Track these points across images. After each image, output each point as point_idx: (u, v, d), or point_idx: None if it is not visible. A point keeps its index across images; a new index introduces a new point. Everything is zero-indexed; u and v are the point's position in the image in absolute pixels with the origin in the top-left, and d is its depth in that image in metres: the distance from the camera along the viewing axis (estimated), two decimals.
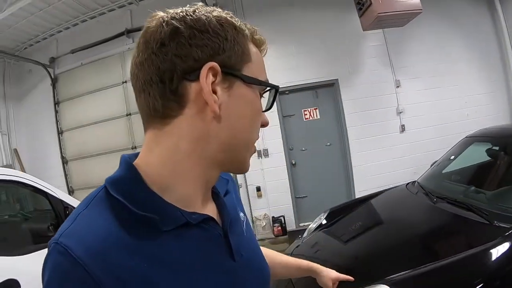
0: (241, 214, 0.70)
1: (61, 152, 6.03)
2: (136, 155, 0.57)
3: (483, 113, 5.43)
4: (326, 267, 1.05)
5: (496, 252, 1.62)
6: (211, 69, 0.50)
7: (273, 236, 5.00)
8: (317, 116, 5.25)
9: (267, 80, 0.59)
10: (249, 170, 0.61)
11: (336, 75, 5.18)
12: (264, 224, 5.04)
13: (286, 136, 5.16)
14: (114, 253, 0.46)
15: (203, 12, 0.52)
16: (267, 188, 5.12)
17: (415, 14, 3.97)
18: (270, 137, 4.99)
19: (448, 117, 5.31)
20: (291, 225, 5.14)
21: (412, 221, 2.34)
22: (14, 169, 5.76)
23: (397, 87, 5.25)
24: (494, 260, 1.61)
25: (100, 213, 0.49)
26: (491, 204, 2.10)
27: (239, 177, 4.84)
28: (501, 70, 5.71)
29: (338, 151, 5.29)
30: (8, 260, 1.97)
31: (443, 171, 2.89)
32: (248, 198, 5.05)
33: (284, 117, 5.17)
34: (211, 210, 0.61)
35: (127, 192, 0.51)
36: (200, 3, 0.56)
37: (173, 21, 0.51)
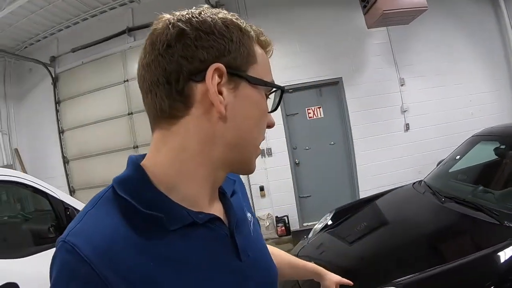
0: (248, 215, 0.70)
1: (62, 151, 6.01)
2: (143, 156, 0.58)
3: (487, 111, 5.40)
4: (332, 268, 1.07)
5: (507, 253, 1.59)
6: (217, 70, 0.51)
7: (276, 236, 4.97)
8: (321, 115, 5.22)
9: (273, 81, 0.59)
10: None
11: (340, 74, 5.16)
12: (268, 224, 5.01)
13: (289, 135, 5.14)
14: (121, 252, 0.46)
15: (208, 14, 0.53)
16: (271, 188, 5.10)
17: (420, 11, 3.95)
18: (274, 136, 4.97)
19: (452, 116, 5.29)
20: (294, 225, 5.12)
21: (420, 221, 2.31)
22: (15, 169, 5.76)
23: (402, 85, 5.23)
24: (505, 261, 1.57)
25: (108, 212, 0.50)
26: (500, 204, 2.07)
27: (242, 177, 4.69)
28: (505, 68, 5.70)
29: (342, 150, 5.27)
30: (7, 263, 1.92)
31: (450, 170, 2.86)
32: (251, 197, 5.02)
33: (287, 116, 5.14)
34: (217, 210, 0.61)
35: (134, 192, 0.51)
36: (206, 5, 0.57)
37: (179, 23, 0.52)
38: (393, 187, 3.02)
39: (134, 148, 5.52)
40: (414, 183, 2.87)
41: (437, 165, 3.05)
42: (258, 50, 0.57)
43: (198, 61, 0.51)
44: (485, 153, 2.75)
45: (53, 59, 5.95)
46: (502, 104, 5.60)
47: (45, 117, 6.02)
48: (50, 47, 5.96)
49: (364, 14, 4.14)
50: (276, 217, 5.04)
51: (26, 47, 5.99)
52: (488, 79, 5.57)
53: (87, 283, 0.44)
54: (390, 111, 5.21)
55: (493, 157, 2.66)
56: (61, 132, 6.00)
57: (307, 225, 5.07)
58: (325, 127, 5.22)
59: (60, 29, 5.71)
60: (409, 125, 5.22)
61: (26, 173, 5.55)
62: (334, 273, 1.04)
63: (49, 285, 0.46)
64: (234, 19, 0.55)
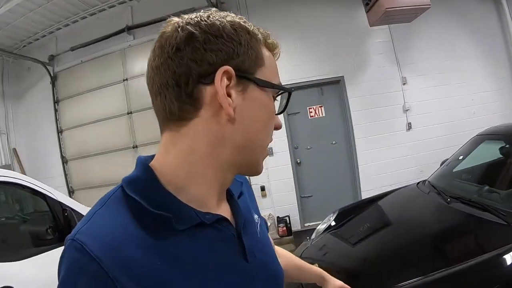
0: (255, 216, 0.71)
1: (61, 151, 5.97)
2: (152, 157, 0.59)
3: (490, 110, 5.38)
4: (335, 269, 1.13)
5: None
6: (226, 72, 0.52)
7: (278, 237, 4.93)
8: (322, 114, 5.20)
9: (280, 84, 0.60)
10: None
11: (342, 72, 5.14)
12: (269, 224, 4.96)
13: (291, 134, 5.11)
14: (130, 251, 0.47)
15: (217, 17, 0.54)
16: (272, 188, 5.07)
17: (423, 9, 3.94)
18: (275, 136, 4.71)
19: (455, 115, 5.28)
20: (296, 225, 5.09)
21: (425, 222, 2.27)
22: (13, 169, 5.73)
23: (404, 84, 5.21)
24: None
25: (117, 212, 0.51)
26: (506, 204, 2.05)
27: None
28: (508, 67, 5.68)
29: (344, 149, 5.25)
30: (4, 266, 1.87)
31: (454, 170, 2.83)
32: None
33: (289, 115, 5.11)
34: (225, 211, 0.61)
35: (144, 192, 0.52)
36: (214, 8, 0.58)
37: (188, 26, 0.52)
38: (395, 187, 3.00)
39: (133, 147, 5.46)
40: (418, 183, 2.84)
41: (441, 165, 3.02)
42: (265, 52, 0.58)
43: (207, 64, 0.51)
44: (490, 153, 2.72)
45: (52, 58, 5.91)
46: (505, 103, 5.58)
47: (44, 116, 5.98)
48: (48, 46, 5.92)
49: (367, 12, 4.12)
50: (278, 217, 5.01)
51: (24, 45, 5.95)
52: (491, 77, 5.56)
53: (95, 281, 0.44)
54: (392, 110, 5.18)
55: (498, 156, 2.63)
56: (59, 131, 5.96)
57: (309, 225, 5.05)
58: (327, 126, 5.20)
59: (58, 28, 5.67)
60: (411, 124, 5.19)
61: (25, 173, 5.54)
62: (337, 274, 1.04)
63: (49, 286, 0.44)
64: (242, 22, 0.56)
